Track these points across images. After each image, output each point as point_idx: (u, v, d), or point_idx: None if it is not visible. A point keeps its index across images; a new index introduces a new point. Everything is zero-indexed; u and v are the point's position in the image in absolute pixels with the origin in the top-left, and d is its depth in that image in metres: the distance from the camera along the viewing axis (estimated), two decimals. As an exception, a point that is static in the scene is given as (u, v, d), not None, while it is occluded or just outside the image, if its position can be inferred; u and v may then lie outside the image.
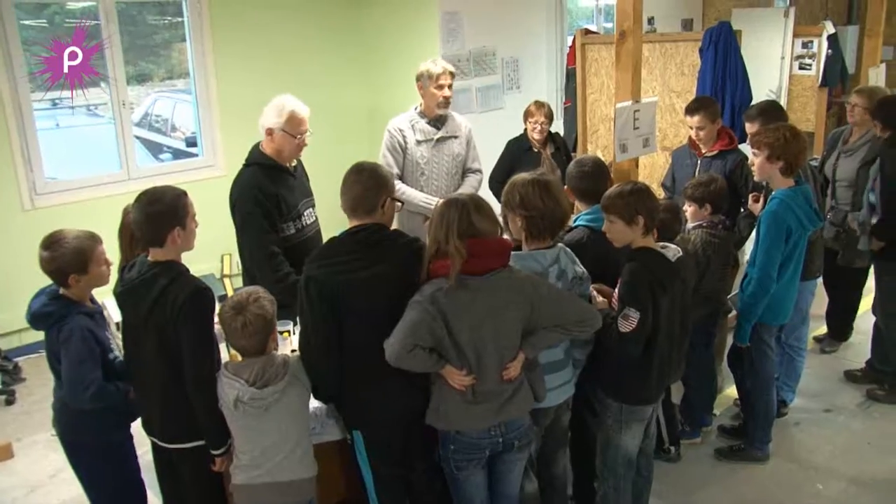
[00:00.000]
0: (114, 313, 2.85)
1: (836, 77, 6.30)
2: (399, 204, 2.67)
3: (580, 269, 2.69)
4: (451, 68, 4.07)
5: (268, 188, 3.23)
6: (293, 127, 3.23)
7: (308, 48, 6.11)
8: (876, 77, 6.17)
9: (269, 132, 3.26)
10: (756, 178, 3.55)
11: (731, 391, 4.02)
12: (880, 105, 4.07)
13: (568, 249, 2.69)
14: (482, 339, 2.36)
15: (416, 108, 4.14)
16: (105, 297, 2.84)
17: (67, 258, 2.55)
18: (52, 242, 2.56)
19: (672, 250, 2.80)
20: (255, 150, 3.33)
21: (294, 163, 3.41)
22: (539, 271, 2.55)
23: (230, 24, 5.67)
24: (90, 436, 2.66)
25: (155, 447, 2.66)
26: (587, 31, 5.80)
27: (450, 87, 4.04)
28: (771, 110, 3.89)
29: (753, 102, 4.70)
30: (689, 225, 3.60)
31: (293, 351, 2.82)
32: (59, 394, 2.66)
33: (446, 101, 4.06)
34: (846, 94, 6.61)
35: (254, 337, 2.39)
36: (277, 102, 3.27)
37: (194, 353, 2.42)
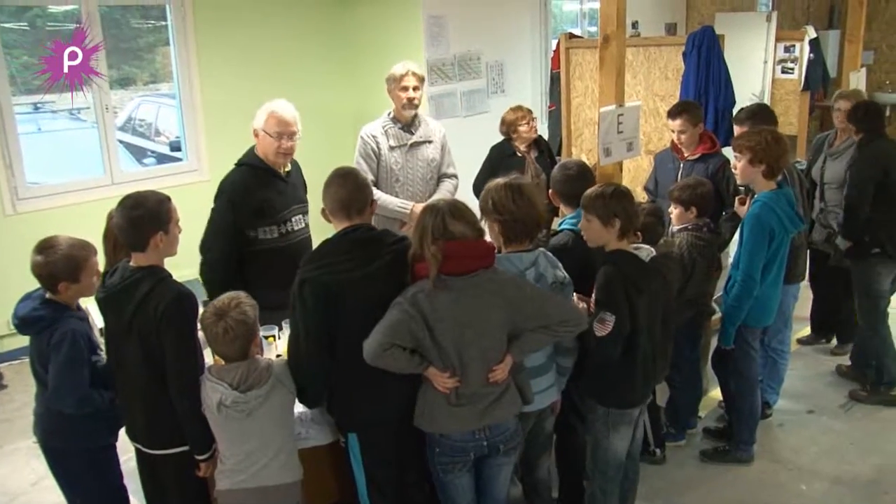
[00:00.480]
0: (96, 319, 2.83)
1: (818, 81, 6.37)
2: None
3: (561, 273, 2.67)
4: (418, 70, 4.00)
5: (252, 190, 3.23)
6: (271, 127, 3.24)
7: (292, 52, 6.09)
8: (857, 81, 6.25)
9: (255, 133, 3.29)
10: (738, 182, 3.58)
11: (716, 393, 4.04)
12: (854, 110, 4.12)
13: (549, 254, 2.69)
14: (465, 340, 2.36)
15: (388, 114, 4.08)
16: (87, 302, 2.81)
17: (60, 265, 2.53)
18: (45, 247, 2.55)
19: (645, 251, 2.82)
20: (250, 151, 3.35)
21: (288, 167, 3.41)
22: (515, 274, 2.55)
23: (214, 28, 5.65)
24: (72, 442, 2.64)
25: (139, 453, 2.63)
26: (571, 35, 5.82)
27: (415, 89, 3.96)
28: (761, 113, 3.92)
29: (737, 106, 4.73)
30: (674, 228, 3.61)
31: (278, 356, 2.81)
32: (42, 398, 2.64)
33: (411, 103, 3.98)
34: (828, 97, 6.68)
35: (235, 342, 2.38)
36: (267, 104, 3.30)
37: (177, 358, 2.40)
